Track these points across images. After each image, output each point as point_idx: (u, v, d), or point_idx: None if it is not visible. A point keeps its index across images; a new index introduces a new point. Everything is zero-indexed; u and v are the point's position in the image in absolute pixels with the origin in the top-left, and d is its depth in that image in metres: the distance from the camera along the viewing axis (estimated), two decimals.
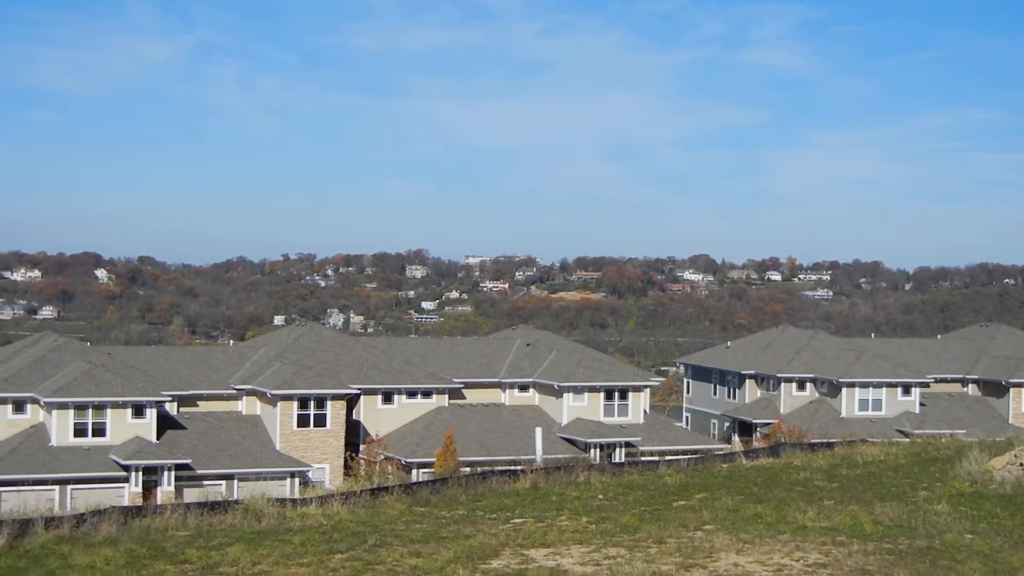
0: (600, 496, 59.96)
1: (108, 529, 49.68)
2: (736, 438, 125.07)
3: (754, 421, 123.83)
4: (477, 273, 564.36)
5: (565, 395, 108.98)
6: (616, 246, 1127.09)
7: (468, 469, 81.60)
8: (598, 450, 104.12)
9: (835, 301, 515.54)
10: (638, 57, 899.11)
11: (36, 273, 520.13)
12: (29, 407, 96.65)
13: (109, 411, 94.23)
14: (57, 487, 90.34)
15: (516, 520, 52.95)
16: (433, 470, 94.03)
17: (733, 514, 52.90)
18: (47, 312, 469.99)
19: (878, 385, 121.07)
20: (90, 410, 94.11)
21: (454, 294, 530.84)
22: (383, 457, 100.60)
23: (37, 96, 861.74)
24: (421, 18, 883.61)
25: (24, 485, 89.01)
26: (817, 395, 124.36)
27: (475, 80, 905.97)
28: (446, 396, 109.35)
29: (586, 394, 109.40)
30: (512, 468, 70.55)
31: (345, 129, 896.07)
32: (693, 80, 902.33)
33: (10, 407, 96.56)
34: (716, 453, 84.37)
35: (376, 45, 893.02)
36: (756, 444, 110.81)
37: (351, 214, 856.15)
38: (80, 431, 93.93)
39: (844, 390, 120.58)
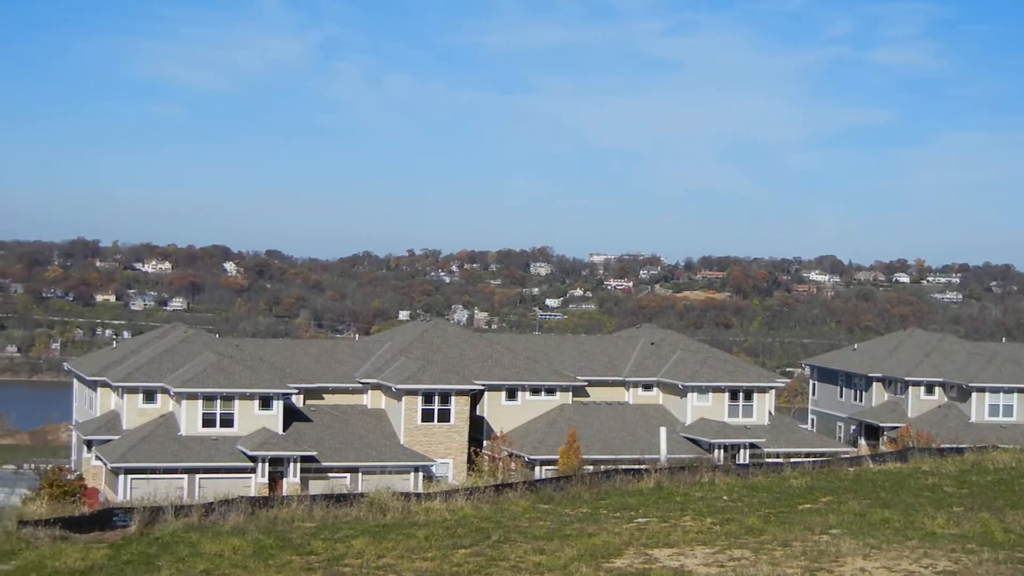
0: (724, 497, 59.62)
1: (236, 519, 50.30)
2: (862, 441, 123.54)
3: (881, 425, 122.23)
4: (601, 271, 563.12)
5: (689, 395, 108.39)
6: (741, 246, 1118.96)
7: (591, 467, 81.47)
8: (722, 451, 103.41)
9: (965, 304, 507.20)
10: (764, 57, 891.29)
11: (166, 265, 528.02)
12: (159, 397, 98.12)
13: (237, 402, 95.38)
14: (186, 476, 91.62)
15: (640, 519, 52.82)
16: (556, 467, 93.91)
17: (860, 519, 52.34)
18: (177, 304, 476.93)
19: (1009, 390, 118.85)
20: (218, 401, 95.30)
21: (578, 292, 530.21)
22: (506, 453, 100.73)
23: (168, 91, 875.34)
24: (546, 16, 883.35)
25: (154, 473, 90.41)
26: (946, 399, 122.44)
27: (600, 78, 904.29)
28: (570, 394, 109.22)
29: (711, 394, 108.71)
30: (636, 467, 70.31)
31: (471, 126, 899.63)
32: (820, 80, 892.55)
33: (141, 396, 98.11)
34: (842, 456, 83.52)
35: (503, 42, 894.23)
36: (883, 448, 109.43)
37: (476, 210, 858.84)
38: (208, 421, 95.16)
39: (974, 395, 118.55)
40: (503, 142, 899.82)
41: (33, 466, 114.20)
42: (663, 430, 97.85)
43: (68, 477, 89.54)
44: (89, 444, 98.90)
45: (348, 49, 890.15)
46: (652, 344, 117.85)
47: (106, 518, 49.21)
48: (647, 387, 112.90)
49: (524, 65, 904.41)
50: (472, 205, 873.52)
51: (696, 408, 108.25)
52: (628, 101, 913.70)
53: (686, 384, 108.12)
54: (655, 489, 62.25)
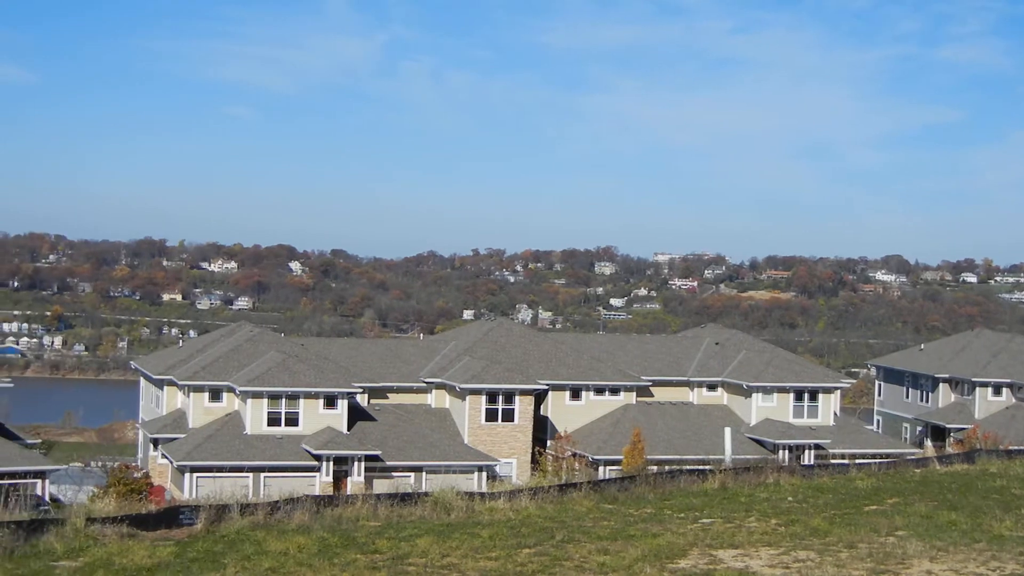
0: (789, 498, 59.32)
1: (301, 517, 50.48)
2: (928, 443, 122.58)
3: (947, 426, 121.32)
4: (666, 271, 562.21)
5: (754, 395, 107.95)
6: (807, 245, 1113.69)
7: (656, 467, 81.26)
8: (787, 451, 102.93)
9: None
10: (832, 55, 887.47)
11: (232, 265, 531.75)
12: (225, 395, 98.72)
13: (302, 401, 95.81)
14: (251, 474, 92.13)
15: (704, 520, 52.63)
16: (620, 467, 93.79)
17: (926, 520, 51.95)
18: (243, 303, 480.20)
19: None
20: (283, 400, 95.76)
21: (643, 291, 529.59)
22: (570, 453, 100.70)
23: (236, 91, 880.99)
24: (612, 14, 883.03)
25: (220, 472, 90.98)
26: (1014, 400, 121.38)
27: (666, 76, 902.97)
28: (634, 394, 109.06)
29: (775, 394, 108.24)
30: (700, 468, 70.05)
31: (536, 125, 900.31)
32: (887, 78, 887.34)
33: (207, 395, 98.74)
34: (908, 458, 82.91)
35: (567, 41, 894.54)
36: (950, 449, 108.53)
37: (541, 210, 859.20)
38: (273, 420, 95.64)
39: None
40: (568, 141, 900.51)
41: (100, 464, 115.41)
42: (728, 431, 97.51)
43: (135, 475, 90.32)
44: (155, 442, 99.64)
45: (413, 49, 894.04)
46: (717, 344, 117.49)
47: (172, 516, 49.51)
48: (711, 387, 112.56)
49: (590, 64, 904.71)
50: (537, 204, 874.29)
51: (761, 408, 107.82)
52: (695, 99, 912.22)
53: (751, 384, 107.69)
54: (720, 490, 62.01)
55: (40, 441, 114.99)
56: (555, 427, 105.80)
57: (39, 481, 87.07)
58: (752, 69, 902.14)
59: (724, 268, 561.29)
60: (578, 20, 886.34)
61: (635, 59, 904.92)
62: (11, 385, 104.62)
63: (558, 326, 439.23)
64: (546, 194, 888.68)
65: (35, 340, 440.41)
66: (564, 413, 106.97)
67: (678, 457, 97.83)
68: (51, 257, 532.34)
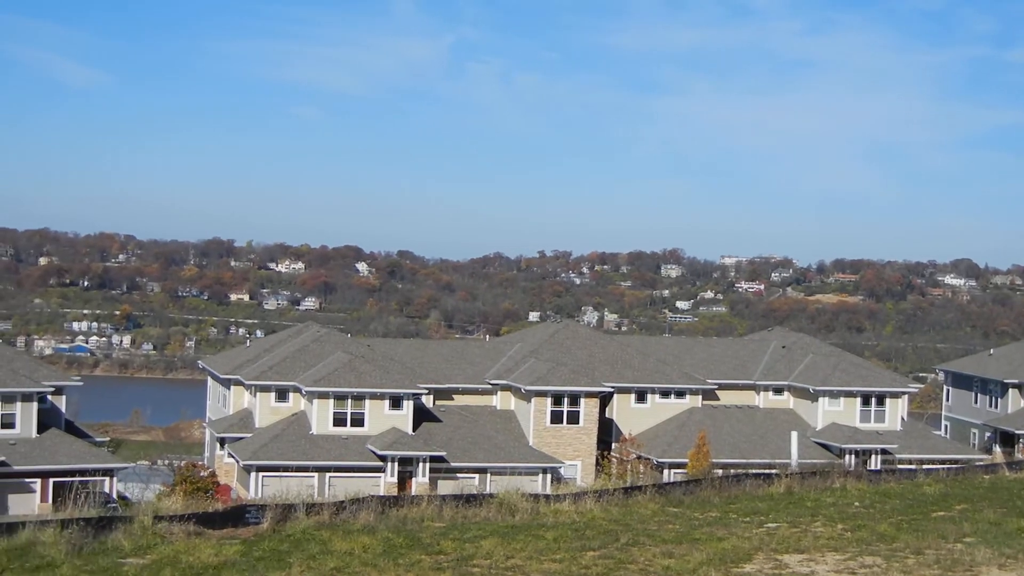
0: (856, 503, 58.91)
1: (366, 517, 50.61)
2: (997, 449, 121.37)
3: (1017, 432, 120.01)
4: (733, 273, 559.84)
5: (821, 399, 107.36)
6: (875, 248, 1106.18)
7: (721, 471, 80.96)
8: (853, 456, 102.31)
9: None
10: (903, 56, 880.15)
11: (300, 265, 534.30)
12: (291, 395, 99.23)
13: (367, 402, 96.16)
14: (317, 474, 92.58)
15: (770, 524, 52.35)
16: (685, 470, 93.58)
17: (995, 527, 51.45)
18: (309, 303, 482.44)
19: None
20: (349, 400, 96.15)
21: (709, 294, 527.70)
22: (635, 456, 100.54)
23: (303, 92, 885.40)
24: (682, 16, 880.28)
25: (286, 471, 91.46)
26: None
27: (736, 78, 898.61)
28: (699, 397, 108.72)
29: (842, 399, 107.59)
30: (766, 472, 69.77)
31: (603, 126, 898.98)
32: (960, 80, 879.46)
33: (273, 395, 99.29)
34: (977, 464, 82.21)
35: (636, 43, 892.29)
36: (1019, 455, 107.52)
37: (608, 211, 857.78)
38: (339, 420, 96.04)
39: None
40: (635, 143, 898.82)
41: (167, 462, 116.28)
42: (794, 435, 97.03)
43: (202, 474, 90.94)
44: (222, 441, 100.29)
45: (480, 50, 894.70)
46: (783, 347, 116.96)
47: (239, 515, 49.78)
48: (778, 391, 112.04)
49: (659, 65, 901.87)
50: (603, 206, 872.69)
51: (827, 413, 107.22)
52: (764, 101, 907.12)
53: (817, 388, 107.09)
54: (786, 494, 61.69)
55: (109, 439, 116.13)
56: (620, 430, 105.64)
57: (107, 479, 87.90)
58: (822, 71, 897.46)
59: (791, 271, 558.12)
60: (648, 22, 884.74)
61: (705, 61, 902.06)
62: (80, 383, 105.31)
63: (624, 328, 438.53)
64: (613, 196, 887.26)
65: (104, 339, 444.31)
66: (629, 416, 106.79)
67: (743, 461, 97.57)
68: (120, 257, 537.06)
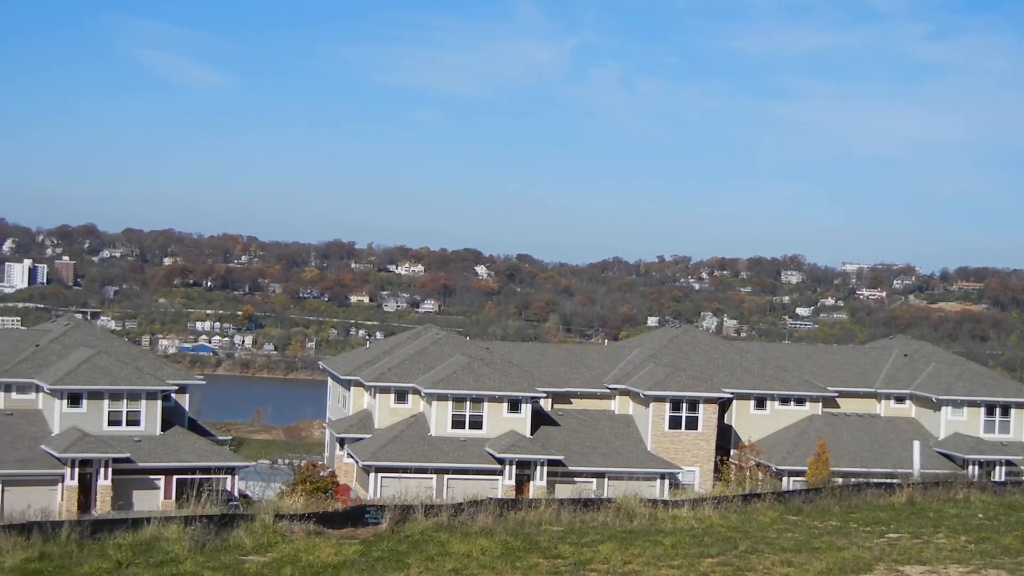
0: (980, 515, 58.09)
1: (484, 520, 50.82)
2: None
3: None
4: (854, 280, 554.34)
5: (943, 408, 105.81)
6: (1000, 256, 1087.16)
7: (841, 480, 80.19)
8: (977, 467, 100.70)
9: None
10: None
11: (419, 268, 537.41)
12: (411, 397, 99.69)
13: (486, 404, 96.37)
14: (435, 476, 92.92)
15: (891, 535, 51.79)
16: (804, 479, 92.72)
17: None
18: (429, 305, 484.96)
19: None
20: (468, 403, 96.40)
21: (829, 301, 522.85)
22: (754, 463, 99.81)
23: (424, 96, 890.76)
24: (804, 20, 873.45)
25: (404, 472, 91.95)
26: None
27: (861, 83, 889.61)
28: (819, 404, 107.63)
29: (965, 408, 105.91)
30: (887, 481, 69.01)
31: (724, 132, 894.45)
32: None
33: (392, 396, 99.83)
34: None
35: (758, 47, 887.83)
36: None
37: (727, 217, 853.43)
38: (458, 422, 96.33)
39: None
40: (756, 148, 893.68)
41: (287, 461, 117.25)
42: (916, 444, 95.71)
43: (322, 473, 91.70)
44: (342, 442, 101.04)
45: (603, 55, 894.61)
46: (905, 356, 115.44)
47: (358, 515, 50.22)
48: (899, 399, 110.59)
49: (780, 70, 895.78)
50: (723, 211, 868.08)
51: (950, 422, 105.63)
52: (887, 106, 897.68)
53: (940, 398, 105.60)
54: (907, 504, 61.01)
55: (230, 438, 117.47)
56: (739, 436, 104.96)
57: (229, 477, 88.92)
58: (946, 75, 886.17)
59: (913, 278, 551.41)
60: (769, 26, 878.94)
61: (827, 65, 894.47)
62: (203, 382, 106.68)
63: (743, 334, 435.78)
64: (733, 201, 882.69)
65: (226, 339, 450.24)
66: (748, 422, 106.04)
67: (864, 470, 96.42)
68: (243, 258, 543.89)
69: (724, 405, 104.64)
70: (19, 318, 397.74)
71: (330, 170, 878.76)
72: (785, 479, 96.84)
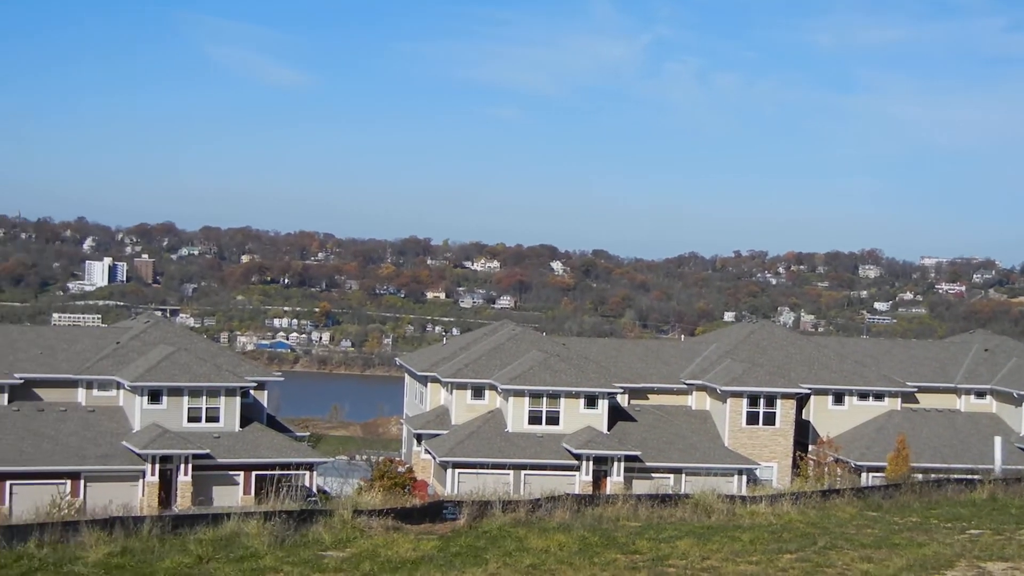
0: None
1: (562, 515, 50.81)
2: None
3: None
4: (933, 274, 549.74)
5: None
6: None
7: (920, 475, 79.48)
8: None
9: None
10: None
11: (495, 264, 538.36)
12: (487, 393, 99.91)
13: (563, 400, 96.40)
14: (512, 471, 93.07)
15: (972, 531, 51.30)
16: (884, 475, 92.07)
17: None
18: (505, 301, 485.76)
19: None
20: (544, 398, 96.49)
21: (908, 295, 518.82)
22: (832, 459, 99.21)
23: (500, 92, 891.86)
24: (882, 13, 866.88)
25: (482, 468, 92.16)
26: None
27: (936, 76, 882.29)
28: (898, 399, 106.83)
29: None
30: (968, 477, 68.38)
31: (801, 126, 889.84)
32: None
33: (469, 392, 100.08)
34: None
35: (835, 41, 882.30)
36: None
37: (804, 211, 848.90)
38: (535, 418, 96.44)
39: None
40: (833, 142, 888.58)
41: (365, 457, 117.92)
42: (998, 440, 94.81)
43: (399, 469, 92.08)
44: (419, 438, 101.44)
45: (678, 50, 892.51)
46: (986, 351, 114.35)
47: (436, 510, 50.34)
48: (980, 395, 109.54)
49: (858, 64, 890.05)
50: (800, 206, 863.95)
51: None
52: (965, 99, 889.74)
53: (1022, 393, 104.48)
54: (989, 500, 60.38)
55: (308, 434, 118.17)
56: (817, 432, 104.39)
57: (307, 473, 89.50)
58: None
59: (994, 272, 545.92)
60: (847, 20, 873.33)
61: (904, 59, 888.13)
62: (281, 379, 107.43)
63: (820, 329, 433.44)
64: (810, 195, 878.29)
65: (304, 336, 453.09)
66: (826, 418, 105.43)
67: (944, 465, 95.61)
68: (320, 255, 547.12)
69: (802, 401, 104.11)
70: (100, 316, 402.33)
71: (406, 167, 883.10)
72: (864, 475, 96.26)
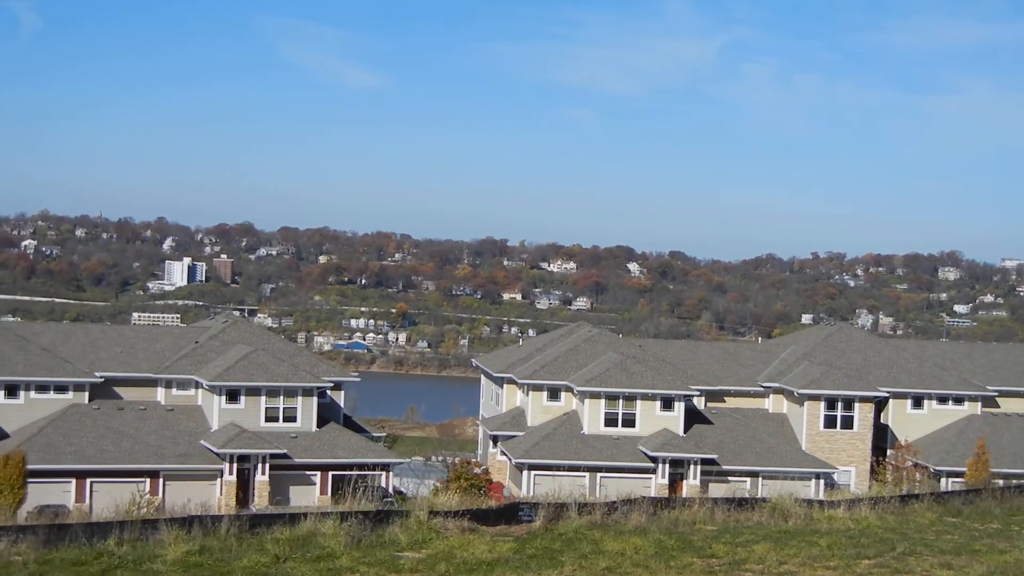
0: None
1: (638, 518, 50.71)
2: None
3: None
4: (1014, 277, 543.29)
5: None
6: None
7: (1001, 481, 78.66)
8: None
9: None
10: None
11: (571, 265, 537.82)
12: (563, 395, 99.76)
13: (639, 402, 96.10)
14: (588, 474, 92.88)
15: None
16: (964, 480, 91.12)
17: None
18: (581, 303, 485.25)
19: None
20: (621, 400, 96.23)
21: (989, 298, 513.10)
22: (911, 463, 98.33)
23: (576, 93, 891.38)
24: (965, 14, 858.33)
25: (557, 470, 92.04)
26: None
27: (1018, 77, 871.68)
28: (979, 404, 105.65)
29: None
30: None
31: (881, 126, 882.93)
32: None
33: (545, 394, 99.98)
34: None
35: (916, 41, 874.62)
36: None
37: (883, 212, 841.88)
38: (611, 420, 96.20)
39: None
40: (913, 143, 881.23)
41: (441, 458, 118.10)
42: None
43: (475, 471, 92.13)
44: (495, 439, 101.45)
45: (755, 51, 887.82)
46: None
47: (512, 512, 50.40)
48: None
49: (939, 64, 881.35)
50: (879, 207, 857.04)
51: None
52: None
53: None
54: None
55: (385, 435, 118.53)
56: (895, 436, 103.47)
57: (384, 473, 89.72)
58: None
59: None
60: (929, 21, 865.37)
61: (986, 58, 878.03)
62: (358, 379, 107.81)
63: (899, 332, 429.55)
64: (889, 196, 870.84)
65: (380, 336, 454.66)
66: (905, 422, 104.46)
67: None
68: (397, 256, 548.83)
69: (880, 404, 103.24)
70: (179, 315, 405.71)
71: (483, 168, 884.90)
72: (943, 480, 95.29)
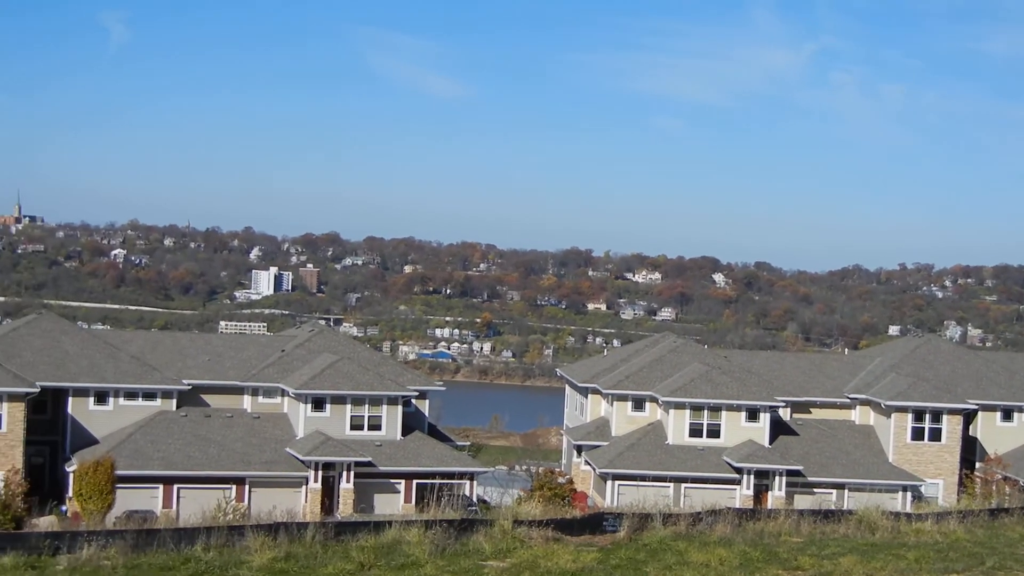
0: None
1: (723, 529, 50.47)
2: None
3: None
4: None
5: None
6: None
7: None
8: None
9: None
10: None
11: (656, 275, 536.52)
12: (648, 405, 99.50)
13: (724, 413, 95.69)
14: (672, 484, 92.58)
15: None
16: None
17: None
18: (666, 313, 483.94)
19: None
20: (705, 411, 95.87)
21: None
22: (1000, 476, 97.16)
23: (663, 102, 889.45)
24: None
25: (642, 481, 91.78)
26: None
27: None
28: None
29: None
30: None
31: (970, 135, 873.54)
32: None
33: (630, 404, 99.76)
34: None
35: (1007, 49, 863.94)
36: None
37: (971, 223, 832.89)
38: (695, 431, 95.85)
39: None
40: (1002, 152, 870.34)
41: (525, 467, 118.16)
42: None
43: (559, 480, 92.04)
44: (579, 449, 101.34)
45: (843, 59, 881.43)
46: None
47: (596, 522, 50.31)
48: None
49: None
50: (967, 218, 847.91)
51: None
52: None
53: None
54: None
55: (469, 443, 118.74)
56: (984, 449, 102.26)
57: (468, 482, 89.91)
58: None
59: None
60: (1019, 26, 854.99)
61: None
62: (443, 388, 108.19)
63: (989, 344, 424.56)
64: (977, 207, 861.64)
65: (465, 346, 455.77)
66: (994, 435, 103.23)
67: None
68: (482, 266, 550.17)
69: (969, 417, 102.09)
70: (265, 324, 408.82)
71: (568, 177, 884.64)
72: None
